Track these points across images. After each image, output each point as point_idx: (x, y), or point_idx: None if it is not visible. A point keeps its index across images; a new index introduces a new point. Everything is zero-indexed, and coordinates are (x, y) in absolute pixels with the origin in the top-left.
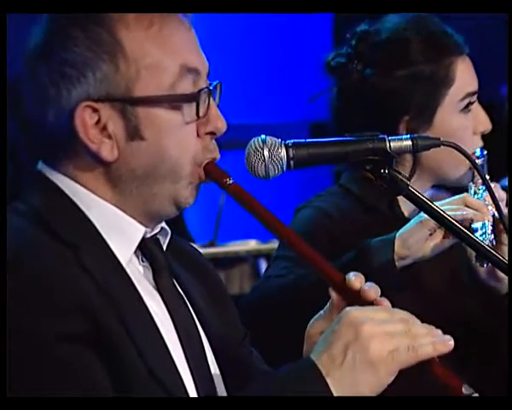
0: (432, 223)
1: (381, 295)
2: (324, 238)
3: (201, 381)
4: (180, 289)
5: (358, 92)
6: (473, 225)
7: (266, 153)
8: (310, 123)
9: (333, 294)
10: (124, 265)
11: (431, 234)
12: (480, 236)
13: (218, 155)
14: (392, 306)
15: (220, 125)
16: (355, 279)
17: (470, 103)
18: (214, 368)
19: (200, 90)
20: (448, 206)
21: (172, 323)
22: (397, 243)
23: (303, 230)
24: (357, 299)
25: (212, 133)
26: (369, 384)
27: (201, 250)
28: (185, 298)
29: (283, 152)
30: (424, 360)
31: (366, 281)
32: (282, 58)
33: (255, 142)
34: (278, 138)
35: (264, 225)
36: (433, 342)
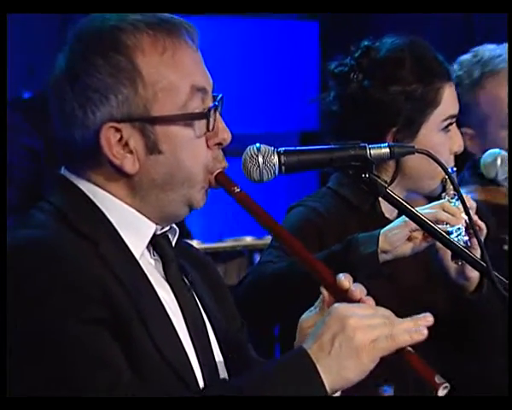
0: (414, 225)
1: (365, 288)
2: (314, 233)
3: (206, 363)
4: (187, 281)
5: (355, 100)
6: (448, 229)
7: (261, 159)
8: (299, 133)
9: (324, 291)
10: (137, 258)
11: (411, 235)
12: (455, 237)
13: (226, 164)
14: (373, 298)
15: (226, 136)
16: (344, 280)
17: (450, 125)
18: (217, 352)
19: (209, 109)
20: (428, 210)
21: (180, 310)
22: (381, 238)
23: (296, 225)
24: (345, 297)
25: (219, 144)
26: (353, 370)
27: (204, 246)
28: (192, 290)
29: (276, 159)
30: (402, 354)
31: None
32: (272, 74)
33: (251, 149)
34: (271, 146)
35: (266, 228)
36: (409, 331)
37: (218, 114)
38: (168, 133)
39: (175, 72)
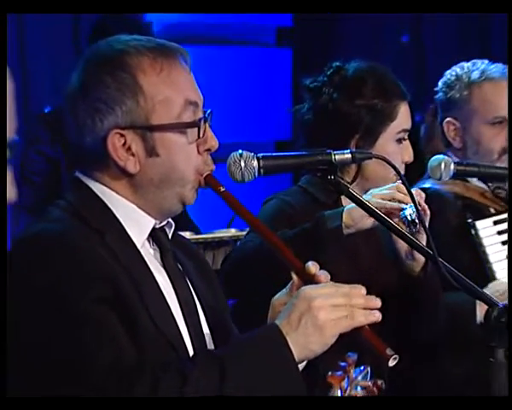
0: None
1: (326, 261)
2: (285, 221)
3: (195, 336)
4: (181, 268)
5: (325, 110)
6: (402, 206)
7: (243, 163)
8: (275, 142)
9: (294, 276)
10: (138, 247)
11: None
12: (409, 215)
13: (213, 168)
14: (337, 275)
15: (214, 143)
16: (311, 266)
17: (403, 138)
18: (205, 328)
19: (200, 119)
20: (386, 190)
21: (175, 292)
22: (345, 214)
23: (270, 214)
24: (312, 280)
25: (208, 150)
26: (317, 343)
27: (197, 236)
28: (185, 275)
29: (255, 163)
30: (359, 330)
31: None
32: (253, 93)
33: (234, 155)
34: (251, 153)
35: (247, 222)
36: (365, 313)
37: (207, 125)
38: (164, 139)
39: (170, 88)
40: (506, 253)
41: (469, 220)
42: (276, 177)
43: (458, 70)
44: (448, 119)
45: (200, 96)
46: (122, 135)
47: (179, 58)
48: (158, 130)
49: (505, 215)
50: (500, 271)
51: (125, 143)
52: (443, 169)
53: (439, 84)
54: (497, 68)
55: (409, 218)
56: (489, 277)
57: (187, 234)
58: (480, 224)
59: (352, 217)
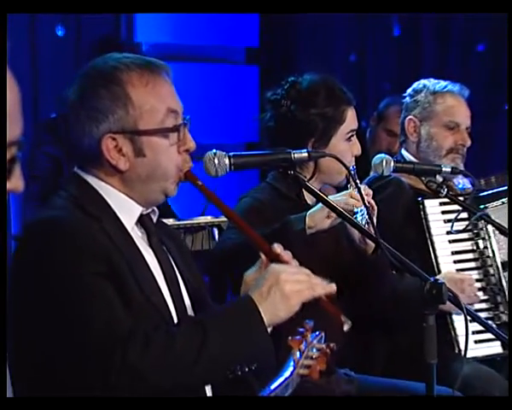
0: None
1: (292, 250)
2: (257, 217)
3: (178, 305)
4: (165, 248)
5: (285, 119)
6: (355, 210)
7: (216, 161)
8: (245, 143)
9: (262, 256)
10: (129, 230)
11: (329, 215)
12: (360, 216)
13: (192, 165)
14: (303, 264)
15: (192, 145)
16: (277, 247)
17: (352, 136)
18: (186, 298)
19: (180, 124)
20: (340, 197)
21: (160, 268)
22: (307, 218)
23: (244, 210)
24: (278, 260)
25: (187, 150)
26: (284, 311)
27: (178, 222)
28: (168, 254)
29: (227, 160)
30: (319, 300)
31: (287, 243)
32: (227, 102)
33: (209, 154)
34: (224, 152)
35: (220, 210)
36: (323, 286)
37: (186, 129)
38: (150, 142)
39: (155, 98)
40: (447, 229)
41: (419, 198)
42: (246, 172)
43: (426, 82)
44: (410, 117)
45: (180, 104)
46: (114, 138)
47: (162, 73)
48: (144, 134)
49: (448, 200)
50: (439, 243)
51: (116, 146)
52: (384, 166)
53: (408, 90)
54: (457, 86)
55: (359, 218)
56: (430, 250)
57: (170, 221)
58: (428, 202)
59: (314, 220)
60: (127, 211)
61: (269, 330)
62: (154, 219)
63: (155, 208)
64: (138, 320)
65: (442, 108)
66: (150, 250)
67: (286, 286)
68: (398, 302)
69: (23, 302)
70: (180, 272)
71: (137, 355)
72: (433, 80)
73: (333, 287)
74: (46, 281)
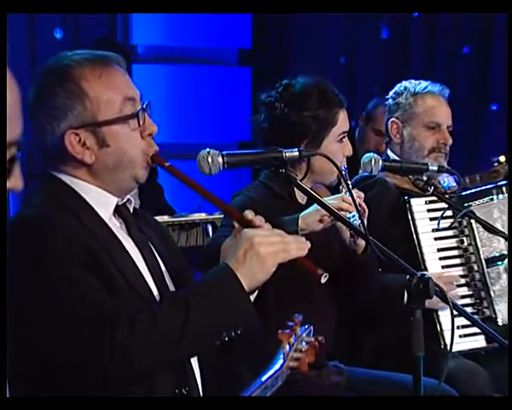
0: (323, 211)
1: None
2: None
3: (161, 288)
4: (145, 236)
5: (279, 121)
6: (347, 215)
7: (210, 159)
8: (238, 142)
9: (235, 224)
10: (107, 221)
11: (322, 218)
12: (353, 221)
13: (157, 148)
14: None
15: (154, 128)
16: (248, 213)
17: (343, 137)
18: (169, 283)
19: (138, 111)
20: (332, 201)
21: (141, 256)
22: (300, 220)
23: (238, 209)
24: (250, 225)
25: (150, 134)
26: (261, 273)
27: (173, 219)
28: (148, 241)
29: (220, 159)
30: (295, 259)
31: None
32: (221, 103)
33: (203, 152)
34: (217, 150)
35: (192, 188)
36: (298, 247)
37: (146, 115)
38: (111, 131)
39: (110, 89)
40: (432, 227)
41: (406, 198)
42: (239, 170)
43: (407, 84)
44: (393, 119)
45: (137, 91)
46: (77, 134)
47: (114, 64)
48: (105, 125)
49: (435, 199)
50: (425, 240)
51: (80, 140)
52: (373, 164)
53: (390, 93)
54: (437, 87)
55: (352, 221)
56: (416, 247)
57: (165, 217)
58: (414, 201)
59: (306, 222)
60: (103, 203)
61: (252, 298)
62: (131, 209)
63: (131, 198)
64: (124, 305)
65: (422, 109)
66: (130, 239)
67: (260, 249)
68: (385, 297)
69: (10, 297)
70: (162, 258)
71: (124, 336)
72: (413, 81)
73: (307, 245)
74: (30, 276)
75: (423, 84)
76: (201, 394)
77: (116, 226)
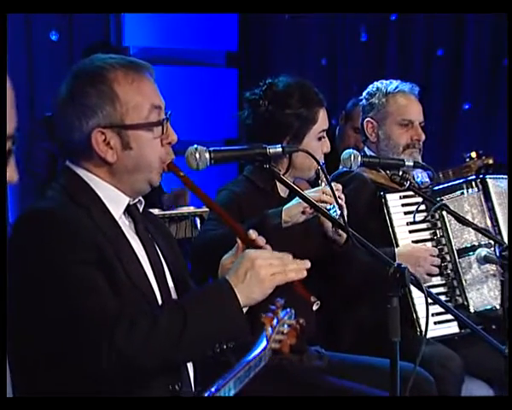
0: (305, 204)
1: (268, 242)
2: (235, 207)
3: (163, 288)
4: (150, 236)
5: (262, 118)
6: (327, 207)
7: (197, 155)
8: (224, 140)
9: (238, 241)
10: (117, 219)
11: (304, 210)
12: (333, 212)
13: (174, 157)
14: (274, 248)
15: (174, 138)
16: (252, 233)
17: (323, 136)
18: (170, 282)
19: (163, 119)
20: (313, 193)
21: (146, 254)
22: (283, 213)
23: (223, 202)
24: (253, 245)
25: (169, 143)
26: (258, 293)
27: (163, 212)
28: (153, 241)
29: (207, 155)
30: (291, 283)
31: (265, 236)
32: (209, 102)
33: (191, 149)
34: (204, 147)
35: (200, 199)
36: (296, 271)
37: (168, 124)
38: (136, 135)
39: (140, 95)
40: (407, 220)
41: (381, 193)
42: (225, 165)
43: (378, 84)
44: (367, 119)
45: (163, 101)
46: (103, 133)
47: (146, 72)
48: (131, 128)
49: (410, 193)
50: (400, 233)
51: (105, 139)
52: (352, 160)
53: (364, 94)
54: (407, 85)
55: (332, 212)
56: (391, 239)
57: (156, 211)
58: (389, 196)
59: (289, 215)
60: (115, 201)
61: (244, 310)
62: (141, 209)
63: (141, 198)
64: (125, 306)
65: (395, 108)
66: (137, 238)
67: (261, 270)
68: (368, 286)
69: (14, 290)
70: (165, 258)
71: (123, 339)
72: (385, 82)
73: (304, 274)
74: (36, 269)
75: (394, 83)
76: (193, 388)
77: (125, 225)
